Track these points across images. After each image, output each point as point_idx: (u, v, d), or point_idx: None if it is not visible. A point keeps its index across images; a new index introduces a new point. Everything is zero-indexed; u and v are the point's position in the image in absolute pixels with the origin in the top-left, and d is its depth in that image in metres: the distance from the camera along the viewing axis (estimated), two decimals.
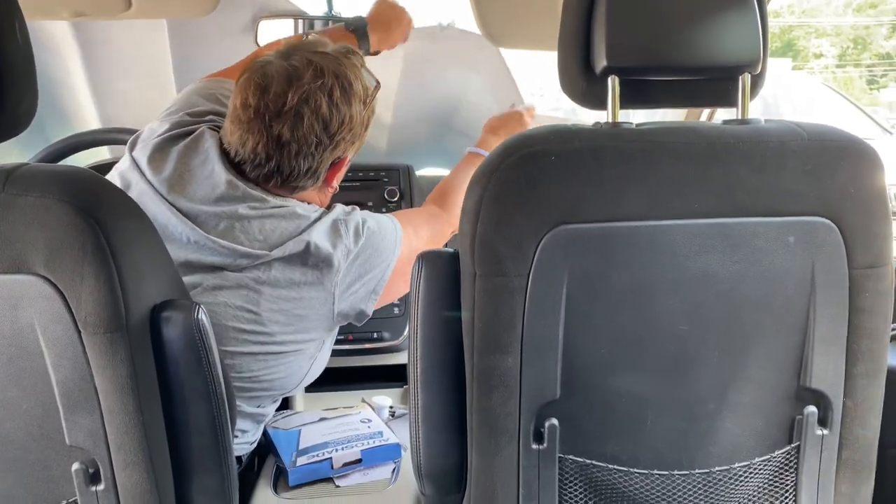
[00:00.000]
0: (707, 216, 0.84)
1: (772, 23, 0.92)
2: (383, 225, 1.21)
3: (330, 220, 1.15)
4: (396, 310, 1.63)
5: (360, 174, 1.64)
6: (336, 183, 1.21)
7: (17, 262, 0.80)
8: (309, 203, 1.17)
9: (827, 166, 0.85)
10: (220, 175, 1.12)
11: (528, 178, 0.83)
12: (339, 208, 1.18)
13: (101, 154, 1.97)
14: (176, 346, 0.88)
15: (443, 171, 2.12)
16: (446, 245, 1.55)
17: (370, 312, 1.21)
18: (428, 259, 0.92)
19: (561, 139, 0.85)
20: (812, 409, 0.90)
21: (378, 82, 1.19)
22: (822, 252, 0.86)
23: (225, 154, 1.14)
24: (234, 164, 1.13)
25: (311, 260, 1.11)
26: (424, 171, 1.91)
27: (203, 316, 0.89)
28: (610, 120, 0.89)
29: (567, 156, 0.83)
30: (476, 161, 1.41)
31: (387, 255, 1.19)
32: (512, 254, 0.83)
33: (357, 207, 1.21)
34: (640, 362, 0.87)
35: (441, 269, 0.92)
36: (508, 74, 2.06)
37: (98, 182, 0.84)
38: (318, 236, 1.12)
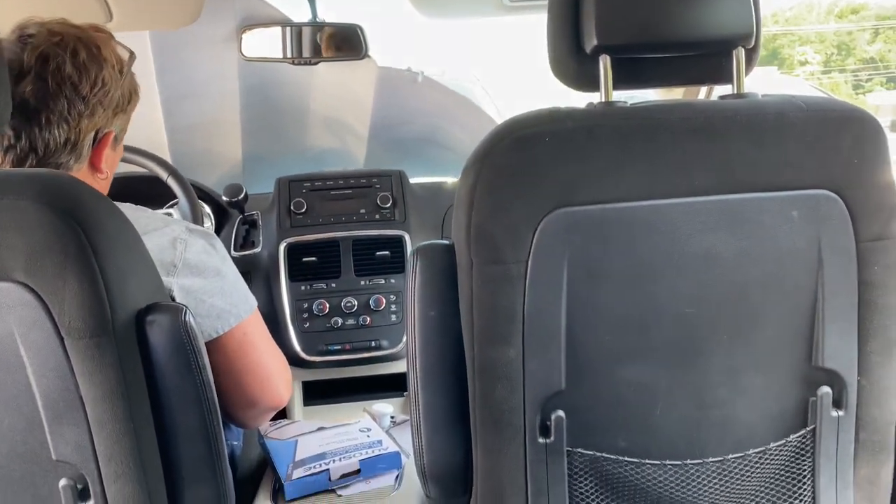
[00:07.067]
0: (708, 193, 0.82)
1: None
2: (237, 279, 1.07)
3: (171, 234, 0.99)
4: (394, 317, 1.60)
5: (352, 181, 1.61)
6: (106, 167, 1.04)
7: None
8: None
9: (828, 137, 0.83)
10: None
11: (522, 161, 0.81)
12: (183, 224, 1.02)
13: None
14: (164, 350, 0.85)
15: (433, 179, 2.10)
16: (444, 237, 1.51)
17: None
18: (422, 252, 0.90)
19: (554, 120, 0.82)
20: (826, 389, 0.87)
21: (132, 52, 1.05)
22: (827, 226, 0.83)
23: None
24: None
25: None
26: (416, 179, 1.87)
27: (190, 318, 0.86)
28: (603, 100, 0.87)
29: (561, 137, 0.81)
30: None
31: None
32: (509, 240, 0.81)
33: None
34: (646, 349, 0.84)
35: (436, 262, 0.89)
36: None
37: (75, 184, 0.81)
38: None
